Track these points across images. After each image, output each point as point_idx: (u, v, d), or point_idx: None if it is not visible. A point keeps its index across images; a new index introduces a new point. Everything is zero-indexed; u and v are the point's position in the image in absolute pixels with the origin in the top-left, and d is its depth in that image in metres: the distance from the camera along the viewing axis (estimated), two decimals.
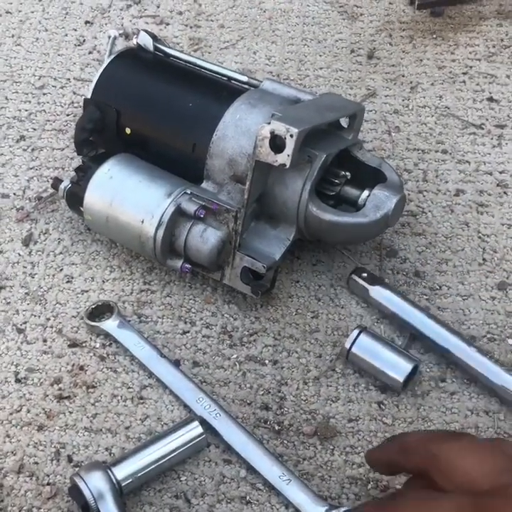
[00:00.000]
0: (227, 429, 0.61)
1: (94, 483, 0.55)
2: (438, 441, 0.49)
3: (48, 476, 0.60)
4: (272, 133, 0.62)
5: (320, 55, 0.97)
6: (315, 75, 0.94)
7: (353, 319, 0.70)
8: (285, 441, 0.62)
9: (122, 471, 0.57)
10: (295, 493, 0.58)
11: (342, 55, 0.97)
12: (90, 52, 0.98)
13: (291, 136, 0.62)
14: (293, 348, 0.68)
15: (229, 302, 0.72)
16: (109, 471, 0.56)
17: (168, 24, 1.02)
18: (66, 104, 0.91)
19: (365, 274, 0.72)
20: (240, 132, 0.69)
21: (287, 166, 0.63)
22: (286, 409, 0.64)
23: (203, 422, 0.61)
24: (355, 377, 0.66)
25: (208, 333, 0.69)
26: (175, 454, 0.59)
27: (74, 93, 0.92)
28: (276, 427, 0.63)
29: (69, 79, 0.94)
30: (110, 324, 0.69)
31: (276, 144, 0.63)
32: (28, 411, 0.64)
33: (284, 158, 0.63)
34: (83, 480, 0.55)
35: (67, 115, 0.90)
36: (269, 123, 0.62)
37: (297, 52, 0.98)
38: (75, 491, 0.56)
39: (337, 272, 0.74)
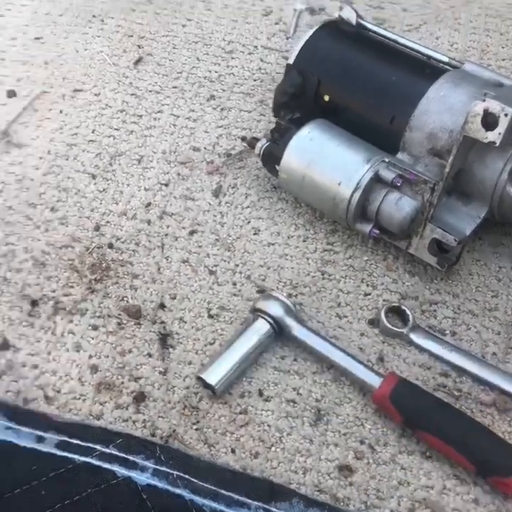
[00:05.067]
0: None
1: None
2: None
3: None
4: (486, 110, 0.64)
5: (502, 47, 0.98)
6: (497, 66, 0.95)
7: None
8: (463, 407, 0.64)
9: None
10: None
11: None
12: (276, 23, 1.01)
13: (506, 115, 0.63)
14: (472, 322, 0.70)
15: (410, 272, 0.74)
16: None
17: (352, 3, 1.04)
18: (254, 70, 0.95)
19: None
20: (443, 108, 0.71)
21: (497, 144, 0.65)
22: (465, 378, 0.66)
23: None
24: None
25: (389, 298, 0.72)
26: None
27: (261, 60, 0.97)
28: (456, 393, 0.65)
29: (256, 46, 0.98)
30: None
31: (488, 121, 0.65)
32: (221, 345, 0.68)
33: (494, 135, 0.65)
34: None
35: (254, 80, 0.94)
36: (483, 100, 0.64)
37: (479, 41, 0.98)
38: None
39: None
